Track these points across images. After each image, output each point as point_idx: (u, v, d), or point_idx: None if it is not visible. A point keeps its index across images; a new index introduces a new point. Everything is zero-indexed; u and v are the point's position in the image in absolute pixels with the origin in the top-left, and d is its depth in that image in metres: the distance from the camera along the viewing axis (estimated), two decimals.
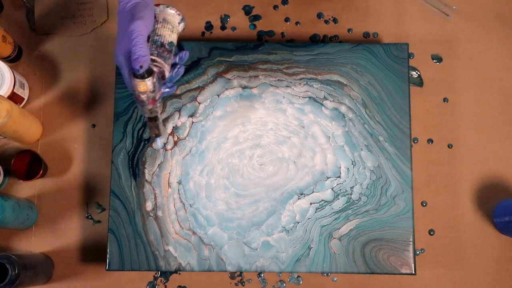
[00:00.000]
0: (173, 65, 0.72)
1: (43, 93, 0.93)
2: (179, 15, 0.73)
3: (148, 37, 0.70)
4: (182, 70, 0.72)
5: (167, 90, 0.72)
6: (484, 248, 0.89)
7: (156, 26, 0.71)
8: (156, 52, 0.69)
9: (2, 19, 0.95)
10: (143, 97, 0.67)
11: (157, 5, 0.73)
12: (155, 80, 0.66)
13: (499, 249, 0.89)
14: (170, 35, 0.71)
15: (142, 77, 0.65)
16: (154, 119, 0.72)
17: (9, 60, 0.92)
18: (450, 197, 0.91)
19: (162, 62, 0.69)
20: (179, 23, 0.74)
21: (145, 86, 0.66)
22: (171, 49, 0.71)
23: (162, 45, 0.70)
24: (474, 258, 0.89)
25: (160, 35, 0.70)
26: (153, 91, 0.67)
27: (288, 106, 0.88)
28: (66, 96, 0.93)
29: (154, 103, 0.69)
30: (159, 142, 0.86)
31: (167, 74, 0.70)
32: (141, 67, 0.64)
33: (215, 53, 0.89)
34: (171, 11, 0.73)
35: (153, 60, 0.68)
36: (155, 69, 0.68)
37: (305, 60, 0.89)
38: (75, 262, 0.88)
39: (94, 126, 0.92)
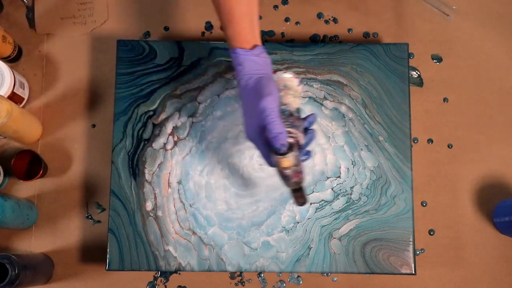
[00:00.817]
0: (304, 130, 0.70)
1: (43, 93, 0.93)
2: (296, 78, 0.73)
3: None
4: (314, 134, 0.70)
5: (304, 157, 0.70)
6: (484, 248, 0.89)
7: (279, 95, 0.70)
8: (288, 123, 0.68)
9: (2, 19, 0.95)
10: (288, 172, 0.66)
11: (274, 72, 0.72)
12: (296, 153, 0.66)
13: (499, 249, 0.89)
14: (294, 101, 0.71)
15: (284, 153, 0.65)
16: (300, 188, 0.71)
17: (9, 60, 0.92)
18: (450, 197, 0.91)
19: (296, 132, 0.67)
20: (298, 85, 0.73)
21: (288, 161, 0.65)
22: (299, 115, 0.70)
23: (291, 114, 0.69)
24: (474, 258, 0.89)
25: (286, 104, 0.70)
26: (297, 164, 0.66)
27: None
28: (66, 96, 0.93)
29: (298, 176, 0.67)
30: (303, 211, 0.84)
31: (301, 141, 0.68)
32: (282, 145, 0.64)
33: (215, 53, 0.89)
34: (289, 76, 0.72)
35: (288, 132, 0.67)
36: (291, 140, 0.66)
37: (305, 60, 0.89)
38: (75, 262, 0.88)
39: (94, 126, 0.92)
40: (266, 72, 0.70)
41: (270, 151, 0.66)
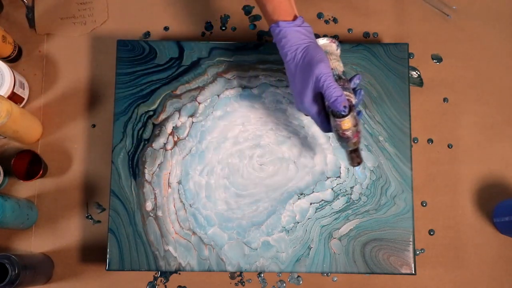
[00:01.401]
0: (353, 91, 0.72)
1: (43, 93, 0.93)
2: (334, 42, 0.75)
3: None
4: (362, 92, 0.72)
5: (358, 117, 0.72)
6: (484, 248, 0.89)
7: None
8: (340, 86, 0.69)
9: (2, 19, 0.95)
10: (348, 133, 0.68)
11: None
12: (355, 113, 0.68)
13: (499, 249, 0.89)
14: (339, 65, 0.72)
15: (343, 115, 0.67)
16: (356, 149, 0.73)
17: (9, 60, 0.92)
18: (450, 197, 0.91)
19: (349, 93, 0.69)
20: (336, 49, 0.75)
21: (349, 122, 0.67)
22: (346, 77, 0.72)
23: (340, 77, 0.71)
24: (474, 258, 0.89)
25: (334, 69, 0.71)
26: (356, 125, 0.68)
27: (288, 106, 0.88)
28: (66, 96, 0.93)
29: (358, 135, 0.69)
30: (359, 171, 0.85)
31: (353, 102, 0.70)
32: (344, 107, 0.66)
33: (215, 53, 0.89)
34: (327, 41, 0.74)
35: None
36: (349, 102, 0.68)
37: None
38: (75, 262, 0.88)
39: (94, 126, 0.92)
40: (312, 40, 0.72)
41: (331, 115, 0.68)
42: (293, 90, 0.73)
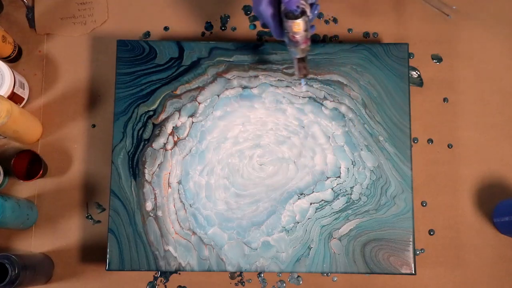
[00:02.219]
0: (310, 5, 0.74)
1: (43, 93, 0.93)
2: None
3: None
4: (319, 7, 0.75)
5: (310, 29, 0.74)
6: (484, 248, 0.89)
7: None
8: None
9: (2, 19, 0.95)
10: (298, 37, 0.71)
11: None
12: (307, 18, 0.70)
13: (499, 249, 0.89)
14: None
15: (296, 17, 0.69)
16: (304, 58, 0.76)
17: (9, 60, 0.92)
18: (450, 197, 0.91)
19: (305, 2, 0.71)
20: None
21: (300, 25, 0.70)
22: None
23: None
24: (474, 258, 0.89)
25: None
26: (306, 30, 0.70)
27: (288, 106, 0.88)
28: (66, 96, 0.93)
29: (307, 42, 0.72)
30: (303, 84, 0.87)
31: (308, 13, 0.72)
32: (297, 7, 0.68)
33: (215, 53, 0.89)
34: None
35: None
36: (303, 6, 0.70)
37: None
38: (75, 262, 0.88)
39: (94, 126, 0.92)
40: None
41: (284, 17, 0.70)
42: None
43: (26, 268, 0.78)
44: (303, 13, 0.69)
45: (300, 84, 0.87)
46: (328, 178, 0.86)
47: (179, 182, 0.85)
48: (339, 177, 0.86)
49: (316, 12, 0.74)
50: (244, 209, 0.85)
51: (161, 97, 0.87)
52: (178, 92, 0.88)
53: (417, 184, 0.90)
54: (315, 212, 0.85)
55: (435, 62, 0.95)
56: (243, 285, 0.88)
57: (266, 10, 0.72)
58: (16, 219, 0.82)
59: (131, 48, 0.88)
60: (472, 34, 0.96)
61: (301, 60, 0.77)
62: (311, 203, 0.85)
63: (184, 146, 0.87)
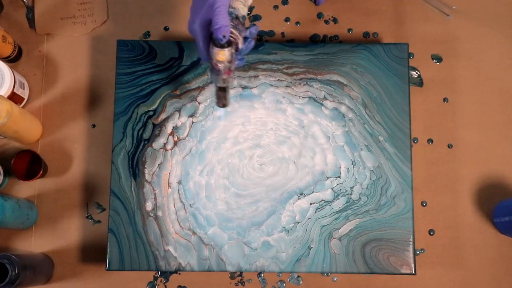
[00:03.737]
0: (244, 39, 0.73)
1: (43, 93, 0.93)
2: None
3: None
4: (253, 43, 0.73)
5: (237, 62, 0.73)
6: (484, 248, 0.89)
7: None
8: (232, 24, 0.70)
9: (2, 19, 0.95)
10: (220, 66, 0.69)
11: None
12: (233, 50, 0.69)
13: (499, 249, 0.89)
14: (243, 9, 0.73)
15: (222, 46, 0.68)
16: (225, 89, 0.75)
17: (9, 60, 0.92)
18: (450, 197, 0.91)
19: (237, 34, 0.70)
20: None
21: (224, 55, 0.68)
22: (244, 22, 0.73)
23: (237, 17, 0.72)
24: (474, 258, 0.89)
25: (234, 8, 0.72)
26: (230, 61, 0.69)
27: (288, 106, 0.88)
28: (66, 96, 0.93)
29: (229, 73, 0.71)
30: (223, 113, 0.87)
31: (240, 46, 0.71)
32: (224, 36, 0.67)
33: None
34: None
35: (230, 32, 0.70)
36: (232, 38, 0.70)
37: (305, 60, 0.89)
38: (75, 262, 0.88)
39: (94, 126, 0.92)
40: None
41: (212, 43, 0.69)
42: (191, 8, 0.73)
43: (26, 268, 0.78)
44: (229, 43, 0.68)
45: (218, 111, 0.87)
46: (328, 178, 0.86)
47: (179, 182, 0.85)
48: (339, 177, 0.86)
49: (250, 46, 0.72)
50: (244, 209, 0.85)
51: (161, 97, 0.87)
52: (178, 92, 0.88)
53: (417, 184, 0.90)
54: (315, 212, 0.85)
55: (435, 62, 0.95)
56: (243, 285, 0.88)
57: (198, 30, 0.70)
58: (16, 219, 0.82)
59: (131, 48, 0.88)
60: (472, 34, 0.96)
61: (222, 89, 0.75)
62: (311, 203, 0.85)
63: (184, 146, 0.87)
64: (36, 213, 0.89)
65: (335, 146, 0.87)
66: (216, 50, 0.68)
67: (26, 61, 0.94)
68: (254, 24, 0.74)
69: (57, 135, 0.92)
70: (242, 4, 0.73)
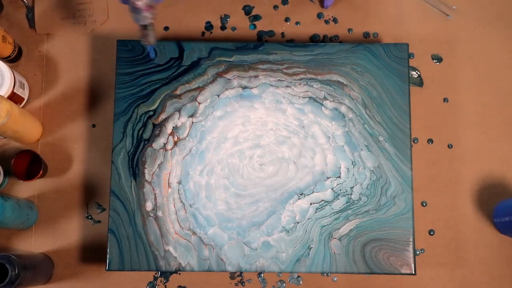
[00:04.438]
0: None
1: (43, 93, 0.93)
2: None
3: None
4: None
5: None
6: (484, 248, 0.89)
7: None
8: None
9: (2, 19, 0.95)
10: (139, 3, 0.72)
11: None
12: None
13: (499, 249, 0.89)
14: None
15: None
16: (147, 26, 0.77)
17: (9, 60, 0.92)
18: (450, 197, 0.91)
19: None
20: None
21: None
22: None
23: None
24: (474, 258, 0.89)
25: None
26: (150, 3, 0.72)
27: (288, 106, 0.88)
28: (66, 96, 0.93)
29: (149, 10, 0.73)
30: (152, 52, 0.87)
31: None
32: None
33: (215, 53, 0.89)
34: None
35: None
36: None
37: (305, 60, 0.89)
38: (75, 262, 0.88)
39: (94, 126, 0.92)
40: None
41: None
42: None
43: (26, 268, 0.78)
44: None
45: (149, 51, 0.87)
46: (328, 178, 0.86)
47: (179, 182, 0.85)
48: (339, 177, 0.86)
49: None
50: (244, 209, 0.85)
51: (161, 97, 0.87)
52: (178, 92, 0.88)
53: (417, 184, 0.90)
54: (315, 212, 0.85)
55: (435, 62, 0.95)
56: (243, 285, 0.88)
57: None
58: (16, 219, 0.82)
59: (131, 48, 0.88)
60: (472, 34, 0.96)
61: (144, 27, 0.77)
62: (311, 203, 0.85)
63: (184, 146, 0.87)
64: (36, 213, 0.89)
65: (335, 146, 0.87)
66: None
67: (26, 61, 0.94)
68: None
69: (57, 135, 0.92)
70: None
